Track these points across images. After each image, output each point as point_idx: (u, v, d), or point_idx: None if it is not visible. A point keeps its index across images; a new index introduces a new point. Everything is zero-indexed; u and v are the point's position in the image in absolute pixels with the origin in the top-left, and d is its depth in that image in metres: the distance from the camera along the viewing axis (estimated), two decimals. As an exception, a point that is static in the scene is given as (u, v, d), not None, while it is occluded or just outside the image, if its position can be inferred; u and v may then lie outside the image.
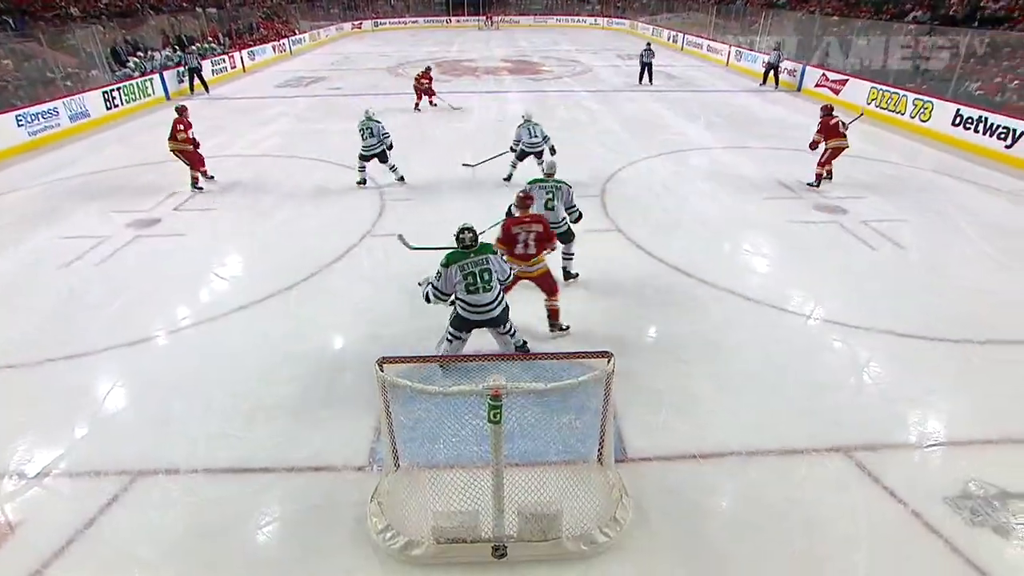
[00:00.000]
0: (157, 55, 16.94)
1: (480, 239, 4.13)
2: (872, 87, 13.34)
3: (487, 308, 4.13)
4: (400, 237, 5.92)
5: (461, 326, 4.25)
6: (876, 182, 8.89)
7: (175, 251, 6.75)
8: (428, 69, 14.15)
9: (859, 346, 4.90)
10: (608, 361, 3.05)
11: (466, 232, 4.04)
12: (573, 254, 5.83)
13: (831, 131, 8.16)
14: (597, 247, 6.39)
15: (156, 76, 15.50)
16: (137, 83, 14.62)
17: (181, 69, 16.48)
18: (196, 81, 16.40)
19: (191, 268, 6.33)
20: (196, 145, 8.48)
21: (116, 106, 13.65)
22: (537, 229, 4.78)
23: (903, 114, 12.33)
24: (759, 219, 7.53)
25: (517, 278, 4.98)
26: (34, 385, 4.50)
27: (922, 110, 11.81)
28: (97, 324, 5.25)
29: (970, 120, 10.64)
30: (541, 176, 5.56)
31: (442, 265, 4.07)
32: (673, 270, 6.17)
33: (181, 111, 8.53)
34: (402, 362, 3.08)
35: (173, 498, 3.44)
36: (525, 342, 4.55)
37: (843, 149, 8.26)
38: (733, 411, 4.13)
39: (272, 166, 9.84)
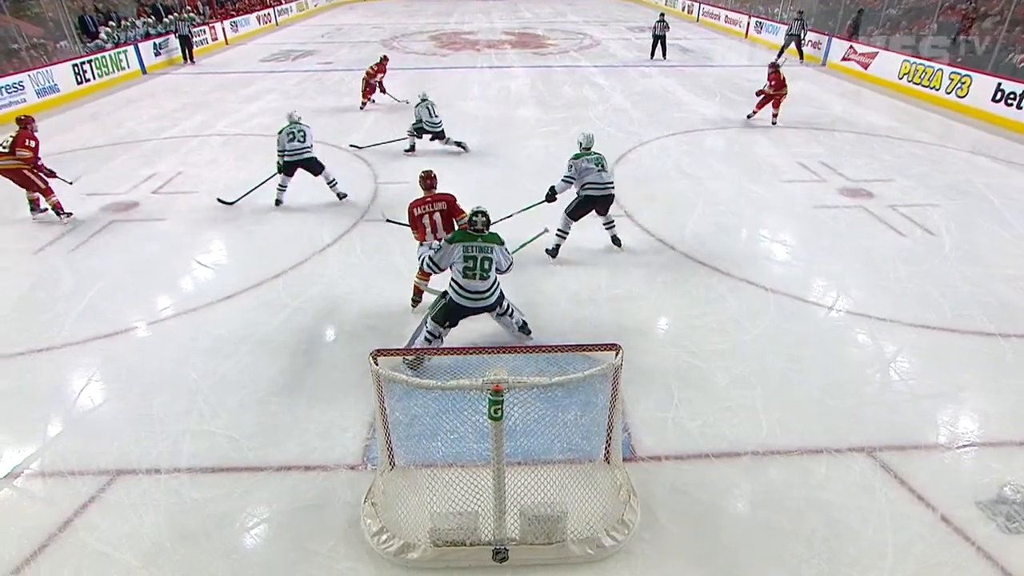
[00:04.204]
0: (136, 25, 16.87)
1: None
2: (904, 60, 13.22)
3: (481, 296, 4.30)
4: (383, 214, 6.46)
5: (447, 317, 4.38)
6: (906, 164, 8.85)
7: (154, 237, 6.76)
8: (384, 60, 12.16)
9: (885, 340, 4.89)
10: (616, 354, 3.07)
11: (479, 216, 4.30)
12: (612, 222, 6.28)
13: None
14: (604, 233, 6.37)
15: (131, 48, 15.45)
16: (111, 56, 14.58)
17: (159, 41, 16.46)
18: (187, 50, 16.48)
19: (172, 255, 6.35)
20: (38, 168, 6.99)
21: (87, 80, 13.62)
22: (440, 208, 5.00)
23: (938, 89, 12.23)
24: (778, 203, 7.50)
25: None
26: (2, 380, 4.51)
27: (959, 85, 11.71)
28: (72, 314, 5.27)
29: (1012, 95, 10.55)
30: (580, 151, 5.98)
31: (447, 240, 4.33)
32: (686, 258, 6.16)
33: (25, 123, 6.96)
34: (398, 354, 3.10)
35: (154, 499, 3.47)
36: (526, 322, 4.71)
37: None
38: (749, 407, 4.14)
39: (258, 145, 9.82)
